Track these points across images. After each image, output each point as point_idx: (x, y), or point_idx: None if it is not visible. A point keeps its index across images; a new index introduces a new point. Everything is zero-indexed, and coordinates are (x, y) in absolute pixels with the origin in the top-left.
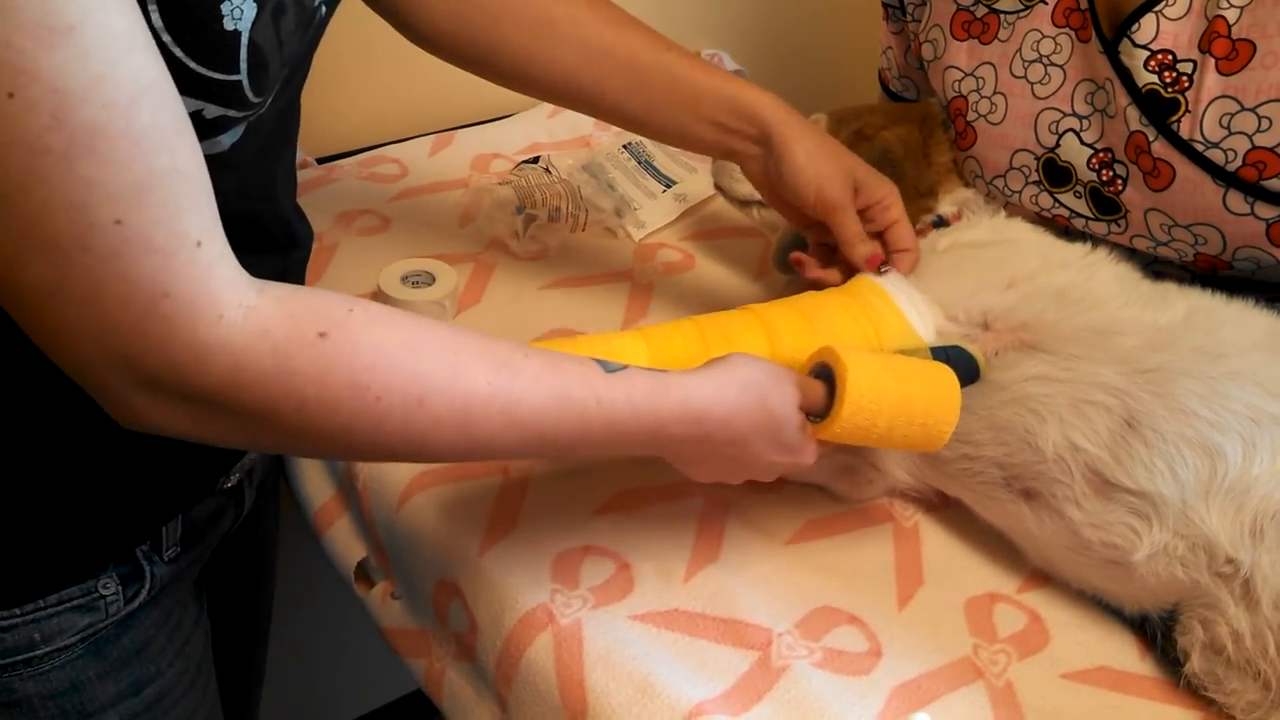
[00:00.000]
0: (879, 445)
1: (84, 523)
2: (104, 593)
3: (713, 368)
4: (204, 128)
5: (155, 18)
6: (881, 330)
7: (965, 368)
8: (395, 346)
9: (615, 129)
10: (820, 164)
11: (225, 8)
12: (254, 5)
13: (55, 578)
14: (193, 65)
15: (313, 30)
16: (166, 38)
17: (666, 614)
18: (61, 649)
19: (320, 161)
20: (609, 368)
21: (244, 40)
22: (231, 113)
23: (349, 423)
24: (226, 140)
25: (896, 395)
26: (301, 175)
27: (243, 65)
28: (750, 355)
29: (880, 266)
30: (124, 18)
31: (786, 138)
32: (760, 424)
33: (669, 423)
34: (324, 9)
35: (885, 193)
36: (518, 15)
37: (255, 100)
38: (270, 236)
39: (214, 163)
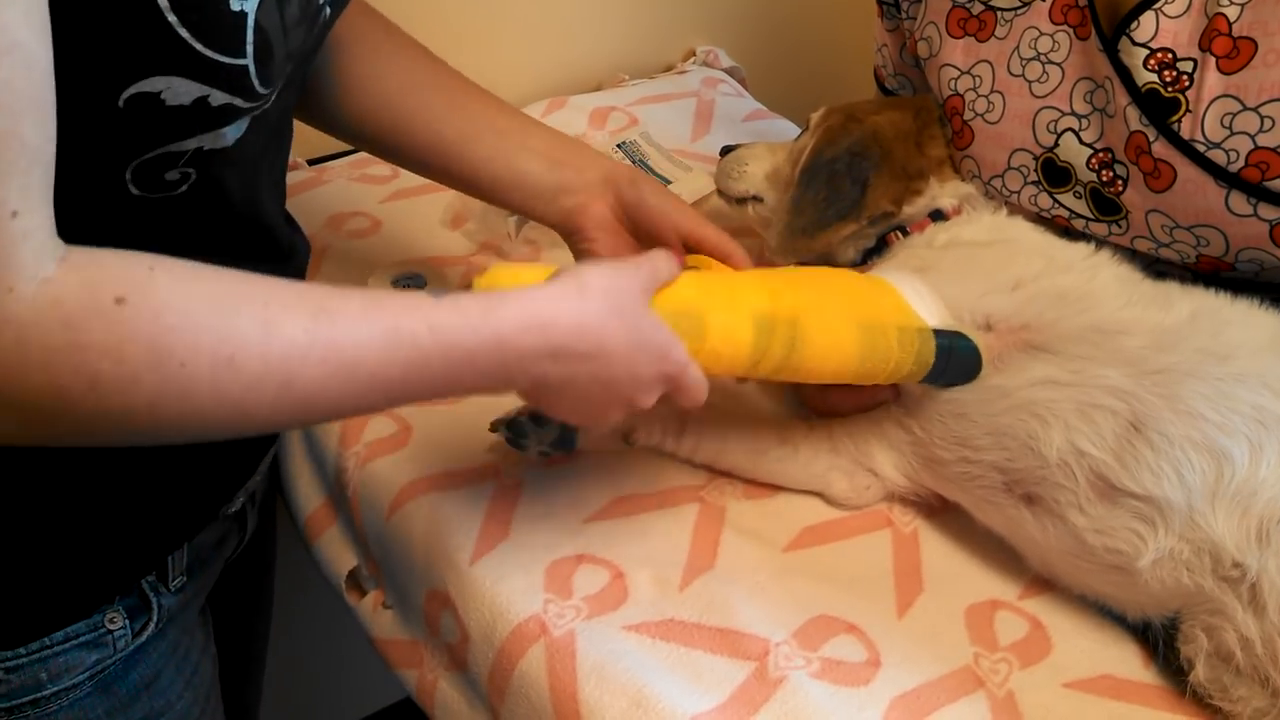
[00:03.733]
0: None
1: (88, 556)
2: (111, 627)
3: (554, 277)
4: (209, 117)
5: None
6: (883, 301)
7: (968, 358)
8: (200, 304)
9: (609, 127)
10: (677, 201)
11: None
12: None
13: (61, 614)
14: (199, 47)
15: (317, 29)
16: (172, 18)
17: (661, 624)
18: (69, 688)
19: (311, 163)
20: (438, 294)
21: (250, 22)
22: (238, 101)
23: (154, 397)
24: (231, 134)
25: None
26: (292, 177)
27: (249, 49)
28: (599, 262)
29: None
30: None
31: (636, 173)
32: (619, 330)
33: (511, 336)
34: (328, 10)
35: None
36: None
37: (262, 91)
38: (260, 244)
39: (215, 159)
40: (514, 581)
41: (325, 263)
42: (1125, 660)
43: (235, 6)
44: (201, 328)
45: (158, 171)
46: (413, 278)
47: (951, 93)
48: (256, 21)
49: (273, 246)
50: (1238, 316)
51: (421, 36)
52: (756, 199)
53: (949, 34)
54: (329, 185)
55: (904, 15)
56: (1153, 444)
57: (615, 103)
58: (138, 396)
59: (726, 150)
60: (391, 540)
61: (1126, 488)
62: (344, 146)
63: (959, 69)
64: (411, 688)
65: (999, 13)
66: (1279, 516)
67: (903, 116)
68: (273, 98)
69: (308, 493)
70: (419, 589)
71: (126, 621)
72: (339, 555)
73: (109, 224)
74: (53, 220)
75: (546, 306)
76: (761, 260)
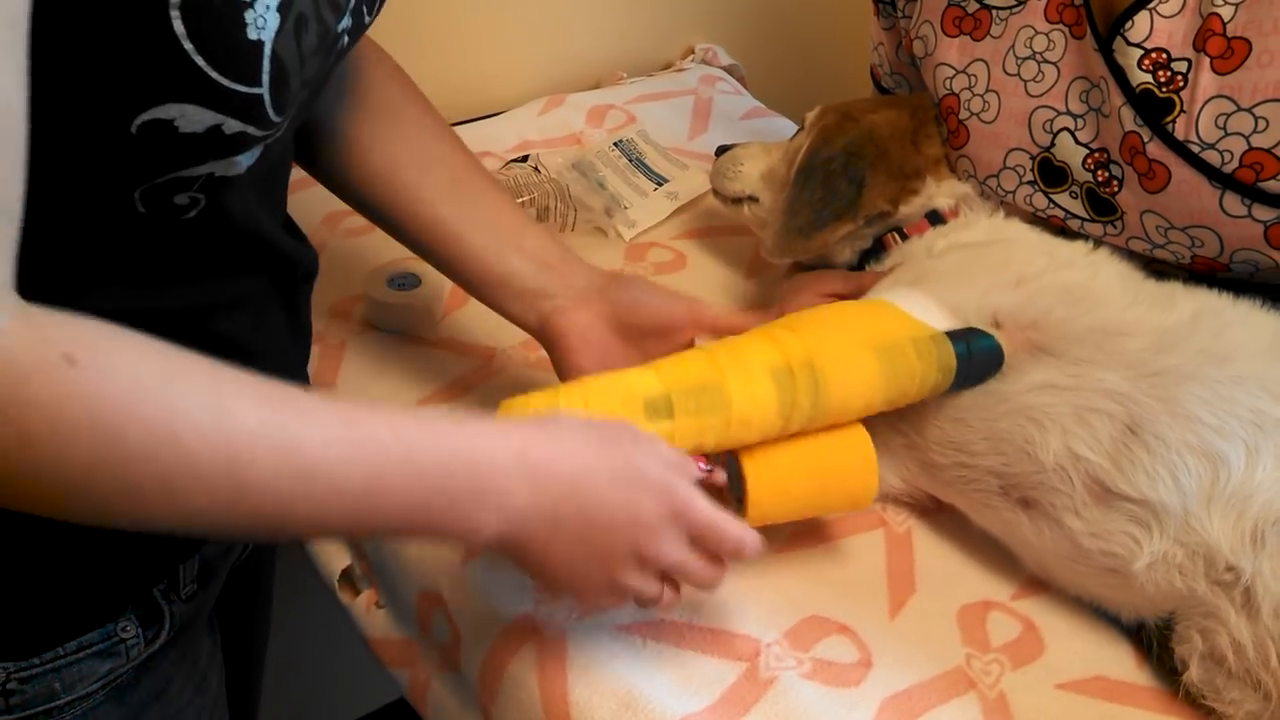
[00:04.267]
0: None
1: (100, 566)
2: (124, 636)
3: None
4: (222, 144)
5: (177, 24)
6: (889, 320)
7: (989, 352)
8: (151, 375)
9: (607, 125)
10: (672, 294)
11: (249, 15)
12: (277, 15)
13: (74, 624)
14: (215, 75)
15: (333, 57)
16: (189, 45)
17: (653, 624)
18: (82, 697)
19: None
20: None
21: (267, 51)
22: (251, 130)
23: (89, 463)
24: (244, 162)
25: (803, 474)
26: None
27: (265, 78)
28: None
29: None
30: None
31: (625, 276)
32: (605, 458)
33: (485, 463)
34: (346, 39)
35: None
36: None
37: (276, 120)
38: (261, 258)
39: (227, 185)
40: (505, 581)
41: (322, 261)
42: (1118, 661)
43: (253, 35)
44: (149, 398)
45: (167, 195)
46: (407, 276)
47: (947, 92)
48: (274, 51)
49: (275, 259)
50: (1239, 318)
51: (421, 34)
52: (752, 199)
53: (944, 33)
54: None
55: (900, 14)
56: (1149, 447)
57: (613, 100)
58: (73, 460)
59: (722, 150)
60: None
61: (1122, 491)
62: None
63: (954, 68)
64: (404, 687)
65: (994, 11)
66: (1273, 519)
67: (899, 115)
68: (285, 125)
69: None
70: (412, 589)
71: (139, 630)
72: (333, 555)
73: (112, 242)
74: (12, 274)
75: (540, 446)
76: (756, 260)
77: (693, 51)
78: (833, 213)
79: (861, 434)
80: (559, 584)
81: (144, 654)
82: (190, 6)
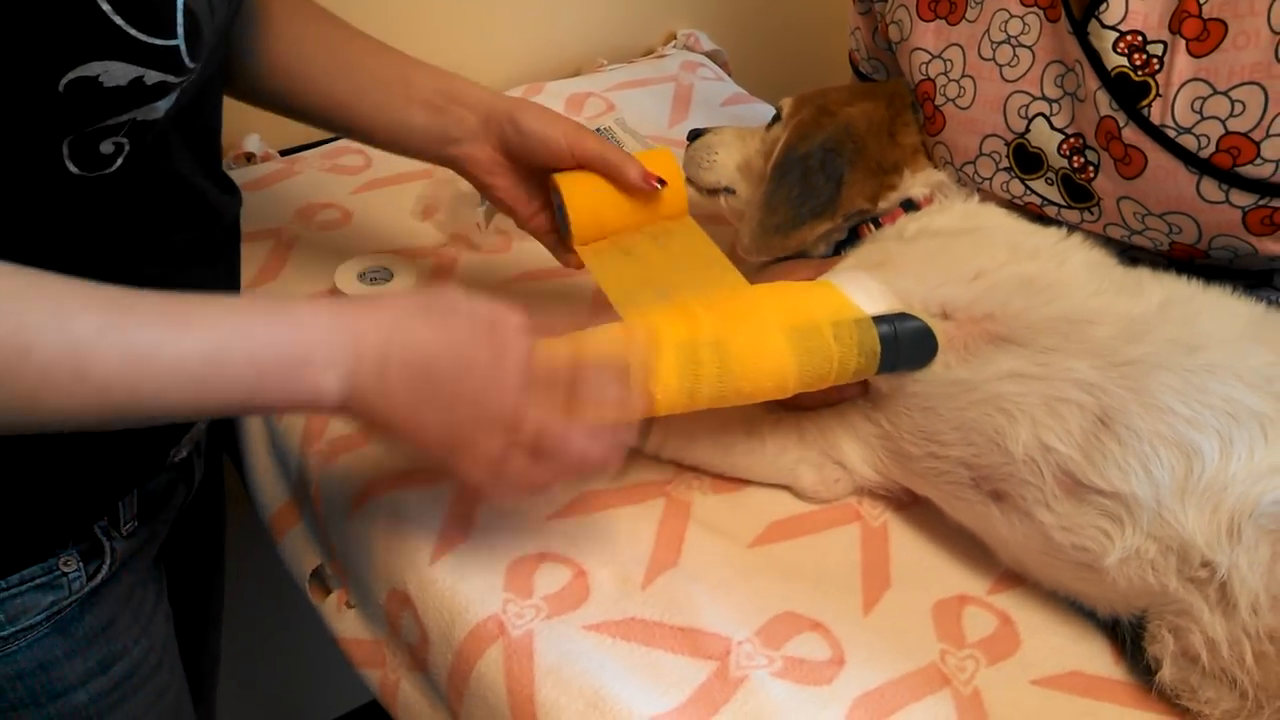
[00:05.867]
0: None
1: (40, 501)
2: (65, 570)
3: None
4: (144, 93)
5: None
6: (814, 302)
7: (918, 338)
8: (4, 295)
9: (586, 113)
10: (556, 117)
11: None
12: None
13: (15, 557)
14: (134, 33)
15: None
16: (106, 7)
17: (622, 623)
18: (27, 629)
19: (283, 154)
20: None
21: (180, 5)
22: (170, 78)
23: None
24: (162, 107)
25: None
26: (263, 168)
27: (179, 30)
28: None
29: (657, 181)
30: None
31: (515, 104)
32: (459, 330)
33: (309, 325)
34: None
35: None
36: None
37: (191, 66)
38: (189, 208)
39: (147, 129)
40: (473, 581)
41: (295, 254)
42: (1095, 657)
43: None
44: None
45: (93, 144)
46: (380, 270)
47: (923, 77)
48: (186, 5)
49: (202, 208)
50: (1209, 305)
51: (398, 20)
52: (729, 191)
53: (920, 17)
54: (300, 176)
55: None
56: (1120, 439)
57: (592, 88)
58: None
59: (694, 135)
60: (353, 539)
61: (1093, 484)
62: (316, 136)
63: (930, 53)
64: (374, 688)
65: None
66: (1250, 511)
67: (875, 107)
68: (199, 68)
69: (272, 491)
70: (380, 588)
71: (81, 564)
72: (303, 554)
73: (45, 202)
74: None
75: (339, 300)
76: (733, 249)
77: (674, 37)
78: (811, 210)
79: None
80: (417, 443)
81: (86, 588)
82: None
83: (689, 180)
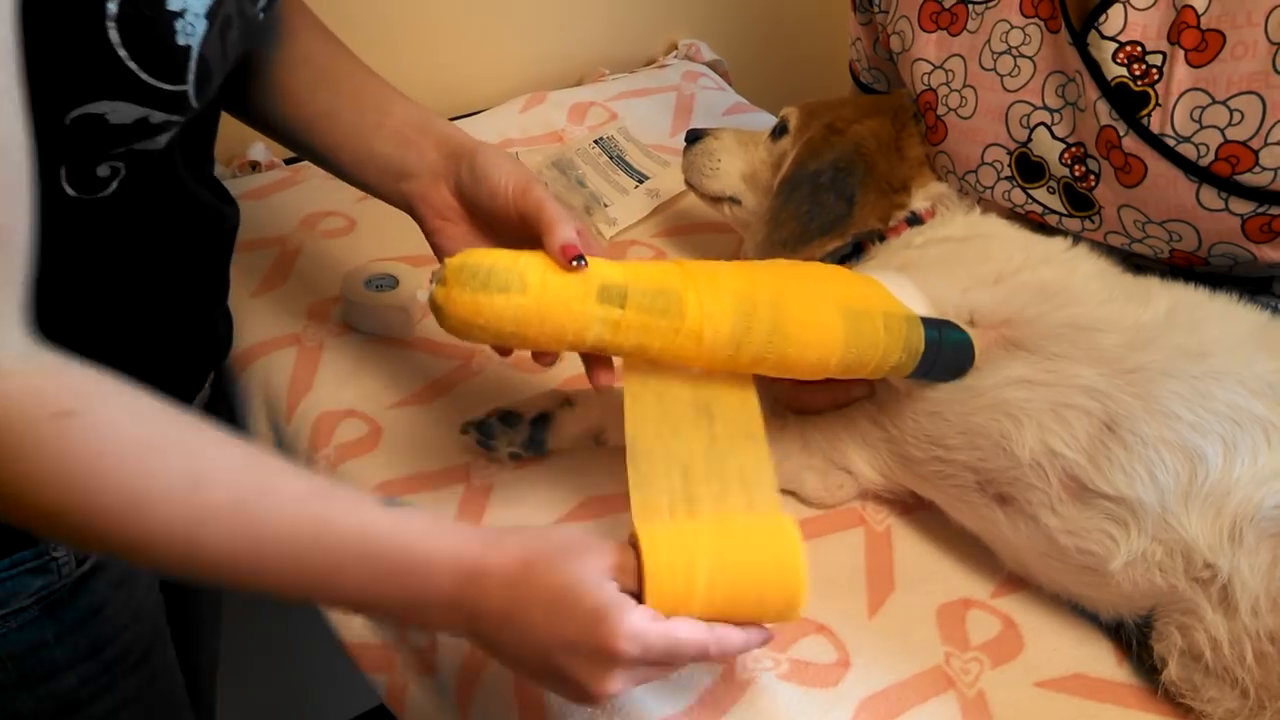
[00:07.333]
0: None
1: None
2: (55, 555)
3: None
4: (148, 130)
5: (113, 34)
6: (870, 291)
7: (959, 350)
8: (137, 438)
9: (588, 123)
10: (511, 163)
11: (179, 24)
12: (204, 21)
13: (6, 541)
14: (144, 77)
15: (254, 33)
16: (122, 52)
17: None
18: (18, 610)
19: (288, 163)
20: (389, 503)
21: (194, 54)
22: (175, 118)
23: (56, 512)
24: (163, 139)
25: (713, 565)
26: (266, 177)
27: (190, 78)
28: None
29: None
30: None
31: (479, 146)
32: (531, 596)
33: (435, 573)
34: (263, 14)
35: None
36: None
37: (196, 106)
38: (187, 218)
39: (149, 157)
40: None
41: (300, 262)
42: (1098, 659)
43: (182, 41)
44: (125, 462)
45: (89, 166)
46: (385, 278)
47: (924, 88)
48: (200, 53)
49: (200, 218)
50: (1216, 312)
51: (402, 32)
52: (734, 200)
53: (921, 28)
54: (303, 185)
55: (876, 9)
56: (1126, 444)
57: (594, 98)
58: (42, 506)
59: (693, 136)
60: None
61: (1099, 488)
62: None
63: (931, 64)
64: (382, 692)
65: (970, 6)
66: (1251, 515)
67: (881, 124)
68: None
69: None
70: None
71: (70, 550)
72: None
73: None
74: (20, 309)
75: (473, 549)
76: (736, 258)
77: (675, 47)
78: (820, 228)
79: (790, 530)
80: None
81: (76, 573)
82: (126, 18)
83: (692, 187)
